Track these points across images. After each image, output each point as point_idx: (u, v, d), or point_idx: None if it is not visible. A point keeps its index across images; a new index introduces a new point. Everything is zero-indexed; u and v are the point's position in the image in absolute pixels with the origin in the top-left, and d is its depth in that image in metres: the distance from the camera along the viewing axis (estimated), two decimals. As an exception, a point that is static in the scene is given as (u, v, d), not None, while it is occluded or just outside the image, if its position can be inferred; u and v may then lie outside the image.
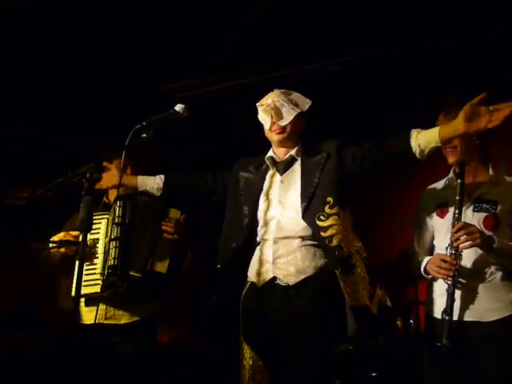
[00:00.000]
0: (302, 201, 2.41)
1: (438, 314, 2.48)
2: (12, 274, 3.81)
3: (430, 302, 2.59)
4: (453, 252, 2.39)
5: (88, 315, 2.92)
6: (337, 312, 2.37)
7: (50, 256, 3.01)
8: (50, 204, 3.23)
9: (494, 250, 2.37)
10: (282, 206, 2.47)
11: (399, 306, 4.18)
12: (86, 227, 2.06)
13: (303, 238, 2.41)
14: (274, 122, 2.52)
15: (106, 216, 3.00)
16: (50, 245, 2.96)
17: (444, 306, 2.40)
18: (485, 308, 2.39)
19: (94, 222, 2.96)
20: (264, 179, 2.58)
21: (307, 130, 2.63)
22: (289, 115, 2.50)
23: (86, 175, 2.18)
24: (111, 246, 2.81)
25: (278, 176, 2.56)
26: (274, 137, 2.56)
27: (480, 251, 2.43)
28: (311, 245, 2.42)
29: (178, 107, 2.48)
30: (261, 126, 2.61)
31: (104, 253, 2.88)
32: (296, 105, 2.54)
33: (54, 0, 3.38)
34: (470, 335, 2.39)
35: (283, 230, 2.43)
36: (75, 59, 3.93)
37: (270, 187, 2.55)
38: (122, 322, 2.91)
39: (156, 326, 3.01)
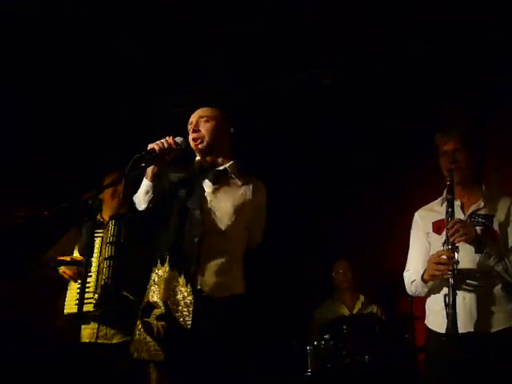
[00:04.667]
0: None
1: (440, 328, 2.51)
2: (10, 292, 3.81)
3: (431, 316, 2.63)
4: (449, 247, 2.45)
5: (82, 333, 2.94)
6: None
7: (46, 274, 3.03)
8: (47, 224, 3.24)
9: (486, 250, 2.44)
10: None
11: (394, 320, 4.20)
12: (89, 252, 2.06)
13: None
14: None
15: (101, 235, 3.03)
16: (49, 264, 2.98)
17: (443, 319, 2.44)
18: (485, 319, 2.44)
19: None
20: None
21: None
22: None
23: (89, 202, 2.17)
24: (105, 265, 2.85)
25: None
26: None
27: (477, 261, 2.49)
28: None
29: (178, 139, 2.49)
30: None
31: (97, 271, 2.91)
32: None
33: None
34: (472, 346, 2.43)
35: None
36: (70, 76, 3.94)
37: None
38: (114, 342, 2.94)
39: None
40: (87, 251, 2.08)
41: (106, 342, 2.92)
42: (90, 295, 2.88)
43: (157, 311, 2.32)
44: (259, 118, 4.50)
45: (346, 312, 4.46)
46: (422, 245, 2.71)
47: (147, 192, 2.45)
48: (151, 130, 4.44)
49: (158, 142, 2.44)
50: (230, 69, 4.13)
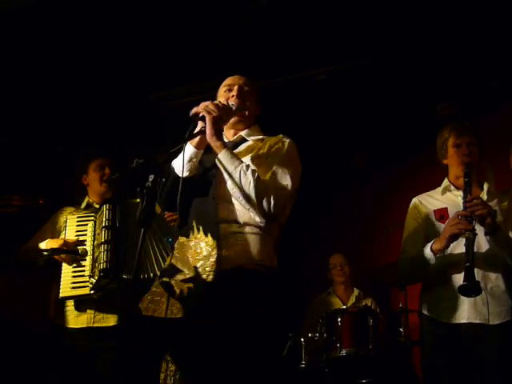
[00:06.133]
0: None
1: (440, 317, 2.53)
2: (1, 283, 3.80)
3: (431, 306, 2.64)
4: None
5: (77, 319, 2.95)
6: None
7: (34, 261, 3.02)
8: (40, 212, 3.24)
9: (498, 233, 2.47)
10: None
11: (388, 314, 4.21)
12: (148, 223, 1.87)
13: None
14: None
15: (92, 218, 3.02)
16: (41, 252, 2.97)
17: (445, 309, 2.53)
18: (490, 311, 2.49)
19: (80, 223, 3.04)
20: None
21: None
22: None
23: (160, 163, 1.92)
24: (102, 250, 2.83)
25: None
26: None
27: (487, 256, 2.53)
28: None
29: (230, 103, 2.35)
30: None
31: (92, 255, 2.90)
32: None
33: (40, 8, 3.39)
34: (473, 336, 2.48)
35: None
36: (61, 66, 3.92)
37: None
38: (111, 325, 2.94)
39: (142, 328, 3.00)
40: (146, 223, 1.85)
41: (103, 325, 2.93)
42: (86, 279, 2.88)
43: (185, 273, 2.22)
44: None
45: (340, 305, 4.47)
46: (421, 228, 2.72)
47: (190, 159, 2.25)
48: (148, 124, 4.50)
49: (211, 106, 2.23)
50: (228, 65, 4.12)
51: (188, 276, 2.20)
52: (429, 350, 2.65)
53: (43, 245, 3.00)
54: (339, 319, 3.76)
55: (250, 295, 2.14)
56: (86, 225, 3.02)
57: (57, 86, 4.06)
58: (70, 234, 3.03)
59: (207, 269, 2.15)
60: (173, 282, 2.22)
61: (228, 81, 2.51)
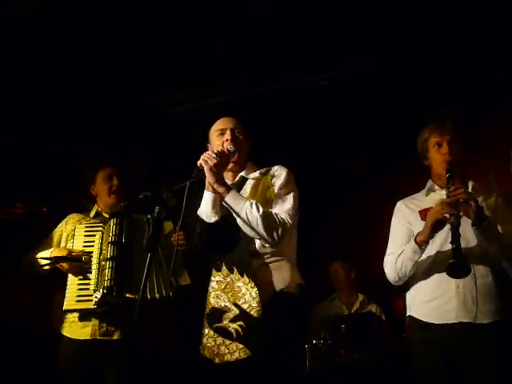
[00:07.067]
0: None
1: (428, 318, 2.52)
2: (3, 289, 3.78)
3: (418, 307, 2.61)
4: None
5: (82, 331, 2.93)
6: None
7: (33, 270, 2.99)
8: (44, 220, 3.23)
9: (485, 223, 2.42)
10: None
11: (392, 319, 4.20)
12: (154, 249, 2.04)
13: None
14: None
15: (101, 229, 3.01)
16: (44, 261, 2.95)
17: (433, 309, 2.50)
18: (478, 309, 2.44)
19: (88, 233, 3.01)
20: None
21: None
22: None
23: (164, 197, 2.12)
24: (107, 266, 2.85)
25: None
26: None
27: (476, 251, 2.49)
28: None
29: (230, 148, 2.51)
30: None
31: (98, 269, 2.90)
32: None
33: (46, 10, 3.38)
34: (463, 336, 2.43)
35: None
36: (61, 67, 3.90)
37: None
38: (115, 338, 2.92)
39: (145, 342, 2.97)
40: (152, 247, 2.02)
41: (106, 338, 2.91)
42: (91, 293, 2.88)
43: (229, 314, 2.41)
44: (254, 120, 4.50)
45: (344, 311, 4.46)
46: (407, 230, 2.68)
47: (214, 205, 2.45)
48: (148, 125, 4.50)
49: (208, 155, 2.39)
50: (228, 73, 4.13)
51: (235, 313, 2.40)
52: (417, 352, 2.60)
53: (47, 253, 2.98)
54: (343, 325, 3.77)
55: (290, 317, 2.36)
56: (94, 235, 3.00)
57: (57, 86, 4.04)
58: (77, 244, 3.01)
59: (254, 305, 2.35)
60: (224, 324, 2.42)
61: (218, 125, 2.63)
